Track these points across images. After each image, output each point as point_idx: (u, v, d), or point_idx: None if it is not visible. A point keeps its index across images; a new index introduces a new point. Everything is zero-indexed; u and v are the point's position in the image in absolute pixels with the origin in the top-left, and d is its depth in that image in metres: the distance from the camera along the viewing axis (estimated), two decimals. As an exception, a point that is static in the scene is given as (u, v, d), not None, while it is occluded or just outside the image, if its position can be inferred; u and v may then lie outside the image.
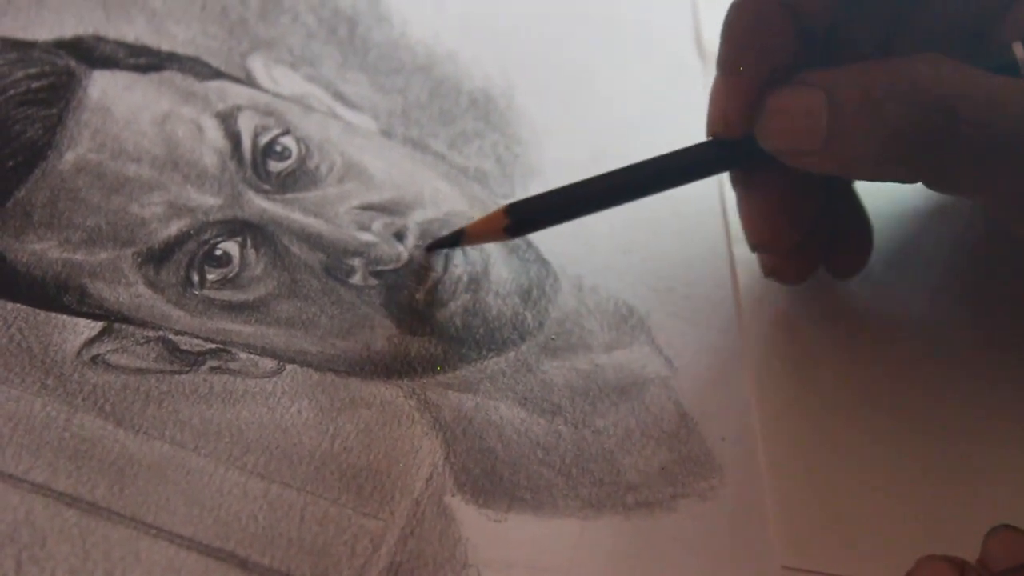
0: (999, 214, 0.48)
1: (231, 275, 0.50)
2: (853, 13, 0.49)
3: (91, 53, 0.55)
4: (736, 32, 0.48)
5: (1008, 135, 0.44)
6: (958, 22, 0.49)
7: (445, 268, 0.52)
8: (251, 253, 0.50)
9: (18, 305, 0.48)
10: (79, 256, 0.49)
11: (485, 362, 0.50)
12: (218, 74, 0.55)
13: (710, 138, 0.49)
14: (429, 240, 0.52)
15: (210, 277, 0.50)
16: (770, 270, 0.53)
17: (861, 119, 0.45)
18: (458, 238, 0.51)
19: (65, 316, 0.48)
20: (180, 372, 0.47)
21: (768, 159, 0.48)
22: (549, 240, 0.53)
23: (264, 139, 0.53)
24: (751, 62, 0.48)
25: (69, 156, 0.51)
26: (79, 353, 0.47)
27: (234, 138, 0.53)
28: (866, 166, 0.47)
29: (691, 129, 0.50)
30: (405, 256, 0.52)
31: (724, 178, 0.57)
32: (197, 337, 0.48)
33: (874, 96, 0.45)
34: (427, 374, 0.49)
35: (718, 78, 0.49)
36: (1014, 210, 0.46)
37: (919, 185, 0.46)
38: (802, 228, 0.50)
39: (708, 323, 0.53)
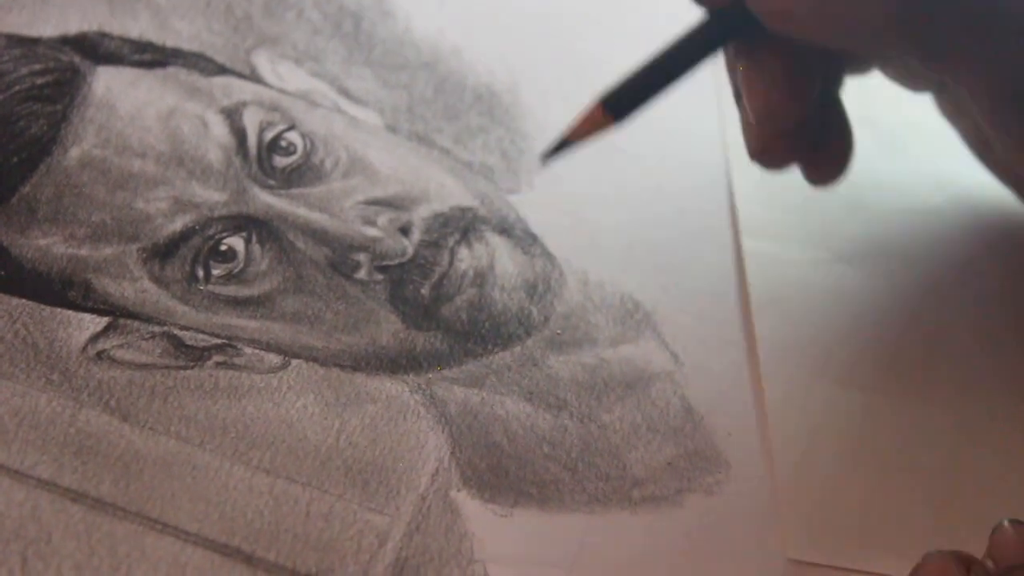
0: (978, 99, 0.47)
1: (236, 270, 0.50)
2: None
3: (95, 49, 0.55)
4: None
5: (990, 9, 0.44)
6: None
7: (450, 263, 0.52)
8: (256, 248, 0.50)
9: (23, 300, 0.48)
10: (84, 251, 0.49)
11: (491, 357, 0.50)
12: (223, 70, 0.55)
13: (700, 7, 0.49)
14: (435, 235, 0.52)
15: (215, 272, 0.50)
16: (759, 149, 0.51)
17: None
18: (566, 143, 0.50)
19: (70, 311, 0.48)
20: (185, 367, 0.47)
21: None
22: (555, 235, 0.53)
23: (269, 134, 0.53)
24: None
25: (74, 152, 0.51)
26: (84, 348, 0.47)
27: (239, 134, 0.53)
28: (858, 29, 0.46)
29: (698, 122, 0.50)
30: (410, 251, 0.52)
31: (732, 170, 0.57)
32: (202, 332, 0.48)
33: None
34: (432, 369, 0.49)
35: None
36: (993, 89, 0.46)
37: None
38: (805, 102, 0.49)
39: (714, 318, 0.53)
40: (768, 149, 0.51)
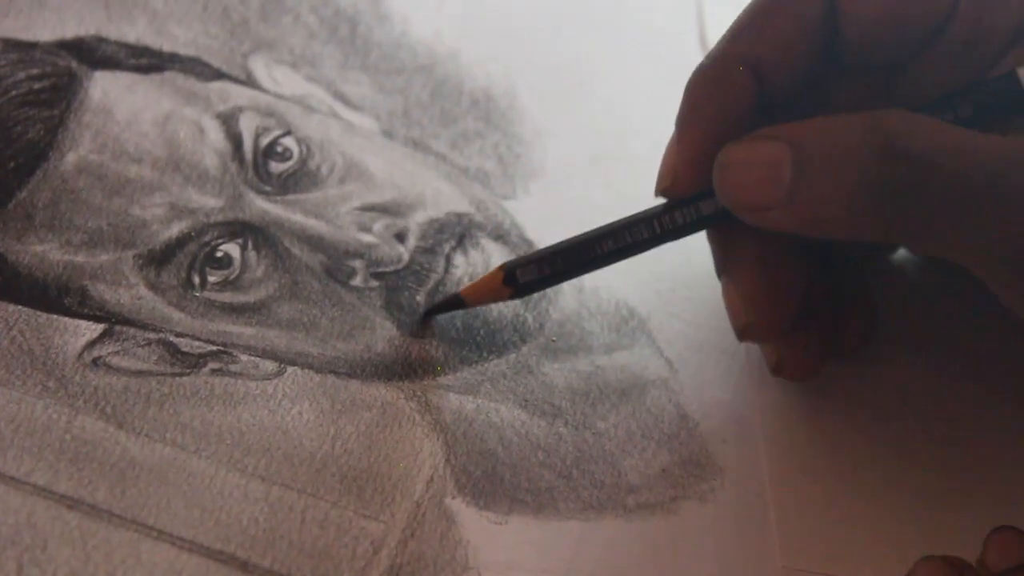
0: (968, 267, 0.44)
1: (232, 277, 0.50)
2: (825, 77, 0.48)
3: (92, 54, 0.55)
4: (693, 87, 0.46)
5: (977, 186, 0.42)
6: (937, 89, 0.47)
7: (446, 270, 0.52)
8: (252, 255, 0.51)
9: (19, 307, 0.48)
10: (80, 258, 0.49)
11: (486, 364, 0.50)
12: (219, 75, 0.55)
13: (657, 196, 0.48)
14: (430, 241, 0.52)
15: (211, 279, 0.50)
16: (775, 363, 0.50)
17: (828, 171, 0.42)
18: (458, 302, 0.50)
19: (66, 318, 0.48)
20: (181, 374, 0.47)
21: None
22: (550, 241, 0.53)
23: (265, 140, 0.53)
24: (705, 115, 0.46)
25: (70, 157, 0.51)
26: (80, 355, 0.47)
27: (235, 139, 0.53)
28: (832, 221, 0.43)
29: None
30: (406, 258, 0.52)
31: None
32: (198, 339, 0.48)
33: (842, 147, 0.42)
34: (428, 376, 0.49)
35: (673, 135, 0.47)
36: (984, 264, 0.44)
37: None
38: (790, 305, 0.48)
39: (709, 324, 0.53)
40: (780, 363, 0.50)
